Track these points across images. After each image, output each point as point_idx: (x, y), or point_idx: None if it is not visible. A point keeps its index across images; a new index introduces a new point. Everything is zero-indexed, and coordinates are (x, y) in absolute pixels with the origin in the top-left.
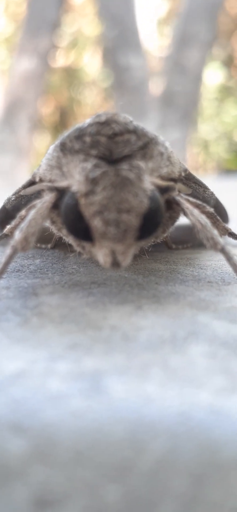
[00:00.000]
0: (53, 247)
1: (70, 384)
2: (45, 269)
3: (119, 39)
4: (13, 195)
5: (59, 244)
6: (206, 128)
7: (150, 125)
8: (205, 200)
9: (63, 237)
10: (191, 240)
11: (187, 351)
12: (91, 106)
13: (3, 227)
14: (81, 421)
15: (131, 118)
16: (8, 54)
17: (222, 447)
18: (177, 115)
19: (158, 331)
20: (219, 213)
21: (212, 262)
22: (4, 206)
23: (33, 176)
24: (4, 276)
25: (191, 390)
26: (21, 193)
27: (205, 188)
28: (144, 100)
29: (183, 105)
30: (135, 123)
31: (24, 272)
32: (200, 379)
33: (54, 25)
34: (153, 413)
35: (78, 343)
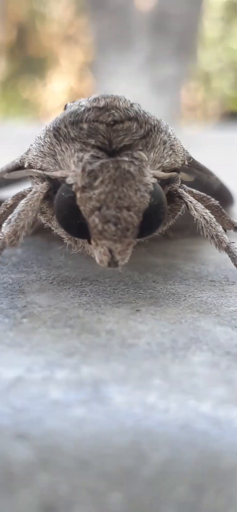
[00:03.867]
0: (35, 234)
1: (69, 393)
2: (30, 261)
3: None
4: None
5: (41, 230)
6: (207, 57)
7: (136, 58)
8: (209, 186)
9: (53, 228)
10: (190, 226)
11: (188, 360)
12: (59, 23)
13: None
14: (83, 430)
15: (131, 101)
16: None
17: (224, 457)
18: (171, 44)
19: (158, 338)
20: (223, 198)
21: (215, 257)
22: None
23: (21, 161)
24: None
25: (193, 402)
26: (5, 176)
27: (209, 174)
28: (129, 25)
29: (179, 31)
30: (136, 107)
31: (6, 264)
32: (202, 390)
33: None
34: (154, 425)
35: (75, 350)
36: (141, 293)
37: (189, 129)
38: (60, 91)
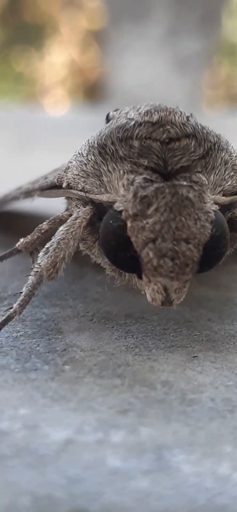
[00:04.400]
0: None
1: (129, 461)
2: (63, 293)
3: None
4: (21, 193)
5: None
6: (233, 26)
7: (154, 30)
8: None
9: (92, 257)
10: None
11: None
12: None
13: None
14: (149, 507)
15: (187, 114)
16: None
17: None
18: (195, 14)
19: (222, 392)
20: None
21: None
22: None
23: (59, 180)
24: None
25: None
26: (37, 195)
27: None
28: None
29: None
30: (193, 121)
31: (36, 296)
32: None
33: None
34: (231, 503)
35: (129, 406)
36: (195, 335)
37: (211, 112)
38: (60, 64)
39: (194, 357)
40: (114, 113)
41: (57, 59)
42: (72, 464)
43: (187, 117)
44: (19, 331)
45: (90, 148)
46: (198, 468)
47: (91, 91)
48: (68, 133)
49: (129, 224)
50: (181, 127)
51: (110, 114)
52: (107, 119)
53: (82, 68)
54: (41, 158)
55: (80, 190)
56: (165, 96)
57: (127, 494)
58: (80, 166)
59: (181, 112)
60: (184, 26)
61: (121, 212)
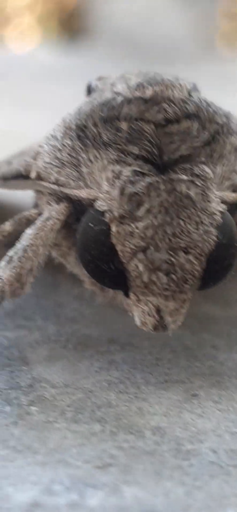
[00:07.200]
0: None
1: None
2: (30, 310)
3: None
4: None
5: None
6: None
7: None
8: None
9: (67, 266)
10: None
11: None
12: None
13: None
14: None
15: (188, 86)
16: None
17: None
18: None
19: (227, 442)
20: None
21: None
22: None
23: (26, 168)
24: None
25: None
26: None
27: None
28: None
29: None
30: (196, 96)
31: None
32: None
33: None
34: None
35: (111, 460)
36: (196, 367)
37: (227, 51)
38: None
39: (193, 395)
40: (98, 83)
41: None
42: None
43: (189, 92)
44: None
45: (67, 130)
46: None
47: (68, 21)
48: (38, 79)
49: (113, 228)
50: (181, 105)
51: (93, 84)
52: (89, 91)
53: None
54: (3, 115)
55: (53, 183)
56: (165, 33)
57: None
58: (54, 152)
59: (181, 85)
60: None
61: (104, 213)
